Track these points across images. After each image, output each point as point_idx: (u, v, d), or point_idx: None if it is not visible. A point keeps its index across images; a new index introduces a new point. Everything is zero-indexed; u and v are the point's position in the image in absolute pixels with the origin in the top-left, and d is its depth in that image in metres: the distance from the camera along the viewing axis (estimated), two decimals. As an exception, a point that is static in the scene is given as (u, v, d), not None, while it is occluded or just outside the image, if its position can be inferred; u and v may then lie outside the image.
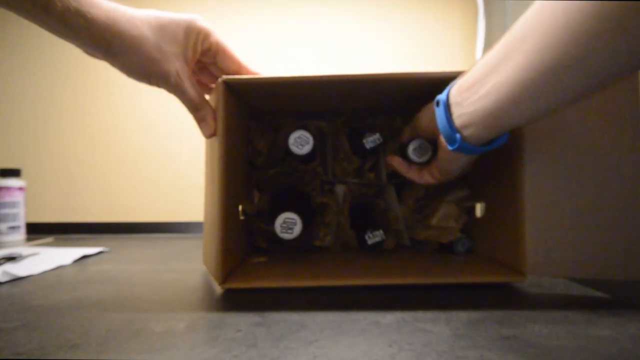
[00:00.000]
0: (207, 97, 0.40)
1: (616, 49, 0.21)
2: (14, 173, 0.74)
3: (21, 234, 0.74)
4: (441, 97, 0.33)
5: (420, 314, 0.31)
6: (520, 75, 0.26)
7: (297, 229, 0.40)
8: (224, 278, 0.36)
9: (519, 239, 0.36)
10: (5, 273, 0.43)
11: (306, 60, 0.95)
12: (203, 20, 0.37)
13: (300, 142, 0.42)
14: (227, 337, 0.26)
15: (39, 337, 0.26)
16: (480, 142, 0.33)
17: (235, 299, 0.35)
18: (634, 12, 0.20)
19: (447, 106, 0.33)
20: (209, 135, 0.38)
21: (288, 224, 0.40)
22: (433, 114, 0.35)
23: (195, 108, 0.37)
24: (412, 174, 0.43)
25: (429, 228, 0.50)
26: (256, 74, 0.39)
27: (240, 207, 0.47)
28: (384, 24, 0.95)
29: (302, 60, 0.96)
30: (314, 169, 0.52)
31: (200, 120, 0.37)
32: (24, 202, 0.75)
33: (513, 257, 0.38)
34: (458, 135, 0.32)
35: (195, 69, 0.40)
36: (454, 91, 0.32)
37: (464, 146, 0.33)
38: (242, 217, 0.49)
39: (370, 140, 0.45)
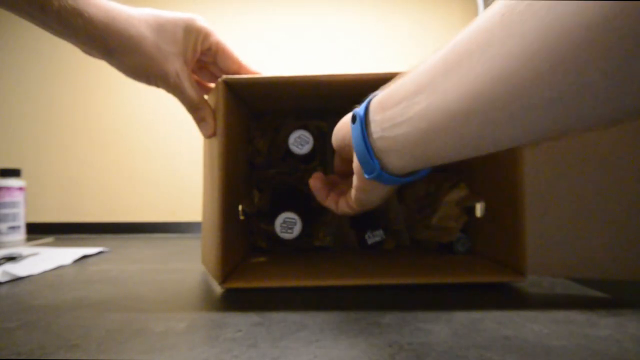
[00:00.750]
0: (206, 97, 0.40)
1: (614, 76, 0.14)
2: (14, 173, 0.74)
3: (21, 234, 0.74)
4: (358, 111, 0.27)
5: (420, 314, 0.31)
6: (464, 97, 0.19)
7: (297, 229, 0.40)
8: (223, 278, 0.36)
9: (519, 239, 0.36)
10: (5, 273, 0.43)
11: (306, 60, 0.95)
12: (203, 19, 0.37)
13: (300, 142, 0.42)
14: (227, 337, 0.26)
15: (39, 337, 0.26)
16: (402, 171, 0.26)
17: (235, 299, 0.35)
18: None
19: (366, 124, 0.26)
20: (208, 136, 0.38)
21: (288, 224, 0.40)
22: (347, 131, 0.29)
23: (195, 108, 0.37)
24: (330, 203, 0.36)
25: (428, 228, 0.50)
26: (256, 73, 0.39)
27: (240, 207, 0.47)
28: (384, 24, 0.95)
29: (302, 60, 0.96)
30: (314, 168, 0.52)
31: (199, 121, 0.37)
32: (24, 202, 0.75)
33: (513, 257, 0.38)
34: (376, 162, 0.26)
35: (194, 68, 0.40)
36: (375, 106, 0.26)
37: (382, 175, 0.26)
38: (242, 217, 0.49)
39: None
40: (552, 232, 0.35)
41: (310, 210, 0.51)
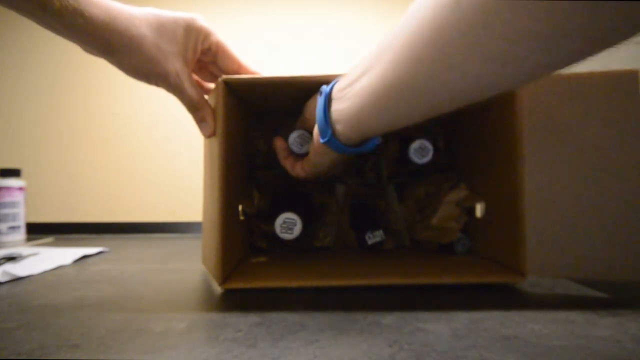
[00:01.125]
0: (206, 97, 0.40)
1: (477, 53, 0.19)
2: (14, 173, 0.74)
3: (21, 234, 0.74)
4: (325, 88, 0.33)
5: (420, 314, 0.31)
6: (379, 82, 0.25)
7: (297, 230, 0.40)
8: (224, 278, 0.36)
9: (519, 239, 0.36)
10: (5, 273, 0.43)
11: (306, 60, 0.95)
12: (203, 19, 0.36)
13: (300, 141, 0.41)
14: (227, 337, 0.26)
15: (39, 337, 0.26)
16: (349, 142, 0.33)
17: (235, 299, 0.35)
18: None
19: (328, 99, 0.32)
20: (208, 135, 0.38)
21: (288, 225, 0.40)
22: (314, 104, 0.35)
23: (195, 108, 0.37)
24: (287, 162, 0.42)
25: (429, 228, 0.50)
26: (256, 74, 0.39)
27: (240, 207, 0.47)
28: (384, 24, 0.95)
29: (302, 60, 0.96)
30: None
31: (199, 120, 0.37)
32: (24, 202, 0.75)
33: (513, 257, 0.38)
34: (329, 130, 0.32)
35: (195, 68, 0.40)
36: (338, 85, 0.32)
37: (332, 142, 0.33)
38: (242, 217, 0.49)
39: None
40: (552, 233, 0.35)
41: (310, 211, 0.51)
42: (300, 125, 0.42)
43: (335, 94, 0.32)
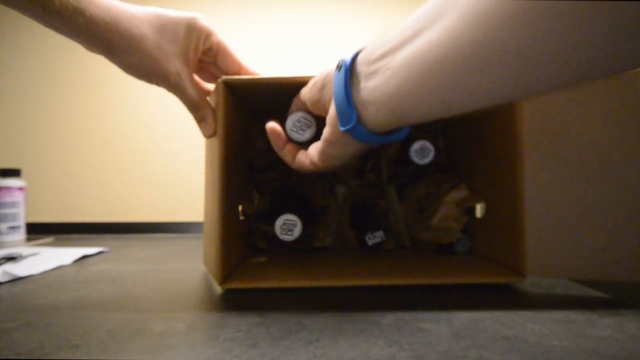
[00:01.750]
0: (207, 97, 0.40)
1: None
2: (14, 173, 0.74)
3: (21, 234, 0.74)
4: (345, 60, 0.26)
5: (420, 314, 0.31)
6: (440, 48, 0.19)
7: (297, 231, 0.40)
8: (224, 278, 0.36)
9: (519, 239, 0.36)
10: (5, 273, 0.43)
11: (306, 60, 0.95)
12: (205, 19, 0.36)
13: (301, 126, 0.35)
14: (227, 337, 0.26)
15: (39, 337, 0.26)
16: (378, 128, 0.26)
17: (235, 299, 0.35)
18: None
19: (350, 74, 0.26)
20: (208, 135, 0.38)
21: (288, 226, 0.40)
22: (328, 81, 0.29)
23: (195, 108, 0.37)
24: (286, 152, 0.35)
25: (429, 229, 0.50)
26: (256, 74, 0.39)
27: (240, 208, 0.47)
28: (384, 24, 0.95)
29: (302, 60, 0.96)
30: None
31: (200, 120, 0.37)
32: (24, 202, 0.75)
33: (513, 257, 0.38)
34: (354, 114, 0.26)
35: (195, 69, 0.40)
36: (363, 58, 0.25)
37: (357, 129, 0.26)
38: (242, 218, 0.49)
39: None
40: (552, 233, 0.35)
41: (310, 212, 0.51)
42: (295, 105, 0.35)
43: (361, 67, 0.25)
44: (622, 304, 0.34)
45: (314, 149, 0.32)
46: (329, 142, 0.30)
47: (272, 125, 0.35)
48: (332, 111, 0.28)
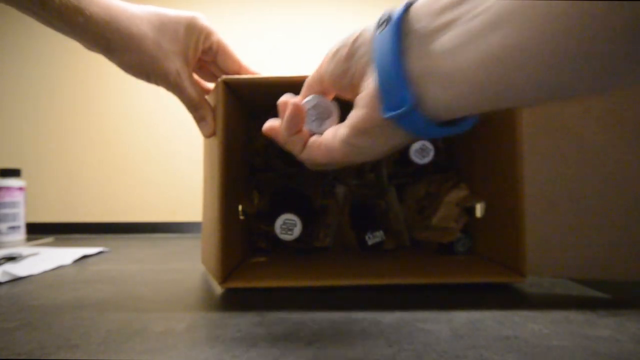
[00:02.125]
0: (206, 97, 0.40)
1: None
2: (14, 173, 0.74)
3: (21, 234, 0.74)
4: (393, 13, 0.19)
5: (420, 314, 0.31)
6: None
7: (297, 230, 0.40)
8: (223, 278, 0.36)
9: (519, 239, 0.36)
10: (5, 273, 0.43)
11: (306, 60, 0.95)
12: (205, 18, 0.36)
13: (317, 114, 0.28)
14: (227, 337, 0.26)
15: (39, 337, 0.26)
16: (444, 115, 0.19)
17: (235, 299, 0.35)
18: None
19: (400, 33, 0.18)
20: (208, 135, 0.38)
21: (288, 225, 0.40)
22: (361, 45, 0.21)
23: (195, 107, 0.37)
24: (294, 139, 0.26)
25: (429, 228, 0.50)
26: (256, 74, 0.39)
27: (240, 207, 0.47)
28: (384, 24, 0.95)
29: (302, 60, 0.96)
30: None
31: (199, 120, 0.37)
32: (24, 202, 0.75)
33: (513, 257, 0.38)
34: (408, 92, 0.18)
35: (195, 68, 0.40)
36: (422, 8, 0.18)
37: (411, 115, 0.18)
38: (242, 217, 0.49)
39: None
40: (552, 233, 0.35)
41: (310, 212, 0.51)
42: (307, 89, 0.27)
43: (421, 21, 0.18)
44: (622, 304, 0.34)
45: (335, 137, 0.24)
46: (359, 131, 0.22)
47: (284, 99, 0.27)
48: (370, 88, 0.20)
